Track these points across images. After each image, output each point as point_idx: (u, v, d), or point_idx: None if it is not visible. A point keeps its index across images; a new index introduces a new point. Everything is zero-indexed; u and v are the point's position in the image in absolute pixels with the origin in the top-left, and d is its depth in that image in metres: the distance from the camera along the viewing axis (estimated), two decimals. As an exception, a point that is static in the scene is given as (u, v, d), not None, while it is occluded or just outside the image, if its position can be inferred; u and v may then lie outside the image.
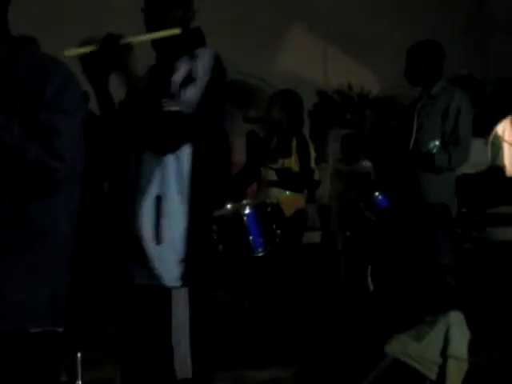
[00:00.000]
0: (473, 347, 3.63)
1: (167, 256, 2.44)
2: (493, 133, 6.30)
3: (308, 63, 12.31)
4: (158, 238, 2.42)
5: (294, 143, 4.94)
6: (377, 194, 4.89)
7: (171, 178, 2.45)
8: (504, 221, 7.54)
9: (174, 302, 2.43)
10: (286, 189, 4.84)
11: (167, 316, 2.43)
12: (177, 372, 2.40)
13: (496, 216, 9.28)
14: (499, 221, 8.74)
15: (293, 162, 4.90)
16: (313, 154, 5.03)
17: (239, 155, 10.70)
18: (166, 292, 2.44)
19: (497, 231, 8.32)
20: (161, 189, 2.45)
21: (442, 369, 3.58)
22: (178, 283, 2.44)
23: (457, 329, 3.61)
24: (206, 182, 2.52)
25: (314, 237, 8.22)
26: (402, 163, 4.59)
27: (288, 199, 4.77)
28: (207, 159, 2.52)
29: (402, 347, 3.67)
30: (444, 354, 3.58)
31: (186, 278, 2.45)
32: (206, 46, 2.61)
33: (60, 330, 2.05)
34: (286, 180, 4.83)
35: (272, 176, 4.89)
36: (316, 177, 5.05)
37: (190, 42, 2.58)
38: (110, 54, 2.32)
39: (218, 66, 2.51)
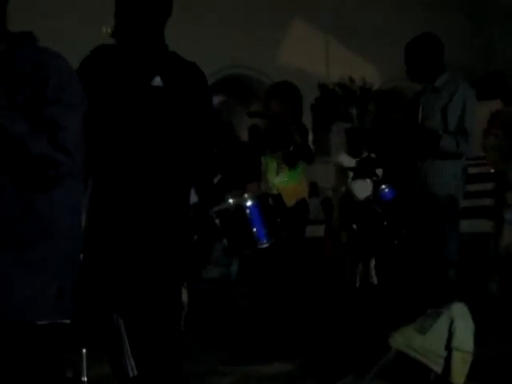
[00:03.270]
0: (475, 338, 3.62)
1: None
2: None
3: (309, 56, 12.29)
4: None
5: (295, 132, 4.94)
6: (383, 186, 4.88)
7: None
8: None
9: None
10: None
11: None
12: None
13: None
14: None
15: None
16: (310, 137, 5.04)
17: (243, 149, 10.67)
18: None
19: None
20: None
21: (447, 361, 3.57)
22: None
23: (461, 321, 3.60)
24: None
25: (318, 230, 8.21)
26: (406, 144, 4.56)
27: (289, 190, 4.75)
28: None
29: (406, 340, 3.66)
30: (448, 346, 3.57)
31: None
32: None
33: (67, 321, 2.06)
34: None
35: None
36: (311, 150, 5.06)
37: None
38: None
39: None
